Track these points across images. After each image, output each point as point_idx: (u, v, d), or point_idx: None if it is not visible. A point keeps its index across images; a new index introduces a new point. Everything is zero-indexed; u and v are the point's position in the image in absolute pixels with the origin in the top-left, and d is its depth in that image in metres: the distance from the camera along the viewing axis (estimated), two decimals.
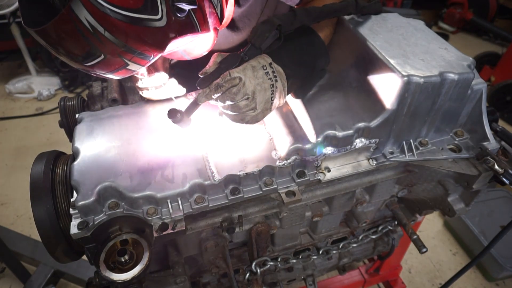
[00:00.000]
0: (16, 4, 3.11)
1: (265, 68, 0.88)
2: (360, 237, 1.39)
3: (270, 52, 0.92)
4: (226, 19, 0.98)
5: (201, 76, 0.87)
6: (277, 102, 0.92)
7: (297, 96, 1.04)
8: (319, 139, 0.94)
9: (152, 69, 1.06)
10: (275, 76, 0.89)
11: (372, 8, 1.11)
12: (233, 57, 0.87)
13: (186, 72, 1.57)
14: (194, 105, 0.90)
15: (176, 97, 1.09)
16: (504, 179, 0.97)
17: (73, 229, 0.83)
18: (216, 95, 0.86)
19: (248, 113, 0.88)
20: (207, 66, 0.88)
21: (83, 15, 0.66)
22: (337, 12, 1.01)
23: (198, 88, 0.87)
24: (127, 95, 1.37)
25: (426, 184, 1.18)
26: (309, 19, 0.95)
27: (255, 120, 0.90)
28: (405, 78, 0.89)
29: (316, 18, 0.97)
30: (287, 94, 0.96)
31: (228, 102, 0.86)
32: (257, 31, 0.89)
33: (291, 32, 0.93)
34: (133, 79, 1.09)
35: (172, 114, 0.90)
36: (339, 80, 1.09)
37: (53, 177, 0.94)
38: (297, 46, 0.98)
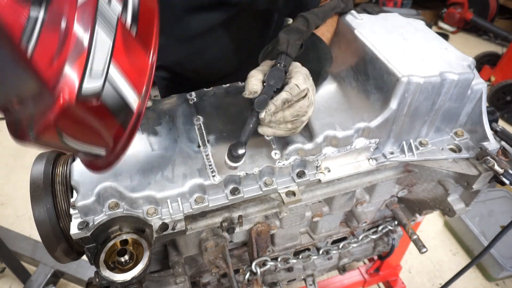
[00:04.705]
0: None
1: (309, 75, 0.87)
2: (360, 237, 1.39)
3: None
4: None
5: (247, 97, 0.82)
6: None
7: None
8: (319, 139, 0.94)
9: None
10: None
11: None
12: (276, 71, 0.82)
13: (171, 76, 1.56)
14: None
15: (155, 96, 1.07)
16: (504, 179, 0.97)
17: (73, 229, 0.83)
18: (281, 112, 0.81)
19: (304, 123, 0.87)
20: (250, 87, 0.82)
21: None
22: (334, 9, 1.02)
23: (258, 110, 0.79)
24: None
25: (426, 184, 1.18)
26: (318, 20, 0.95)
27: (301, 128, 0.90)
28: (405, 78, 0.89)
29: (322, 19, 0.97)
30: None
31: (295, 118, 0.82)
32: (288, 40, 0.85)
33: None
34: None
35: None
36: (339, 80, 1.09)
37: (53, 177, 0.94)
38: (304, 53, 0.98)
